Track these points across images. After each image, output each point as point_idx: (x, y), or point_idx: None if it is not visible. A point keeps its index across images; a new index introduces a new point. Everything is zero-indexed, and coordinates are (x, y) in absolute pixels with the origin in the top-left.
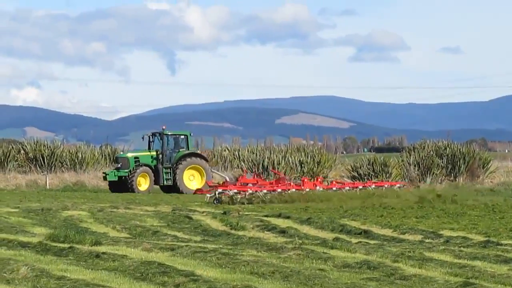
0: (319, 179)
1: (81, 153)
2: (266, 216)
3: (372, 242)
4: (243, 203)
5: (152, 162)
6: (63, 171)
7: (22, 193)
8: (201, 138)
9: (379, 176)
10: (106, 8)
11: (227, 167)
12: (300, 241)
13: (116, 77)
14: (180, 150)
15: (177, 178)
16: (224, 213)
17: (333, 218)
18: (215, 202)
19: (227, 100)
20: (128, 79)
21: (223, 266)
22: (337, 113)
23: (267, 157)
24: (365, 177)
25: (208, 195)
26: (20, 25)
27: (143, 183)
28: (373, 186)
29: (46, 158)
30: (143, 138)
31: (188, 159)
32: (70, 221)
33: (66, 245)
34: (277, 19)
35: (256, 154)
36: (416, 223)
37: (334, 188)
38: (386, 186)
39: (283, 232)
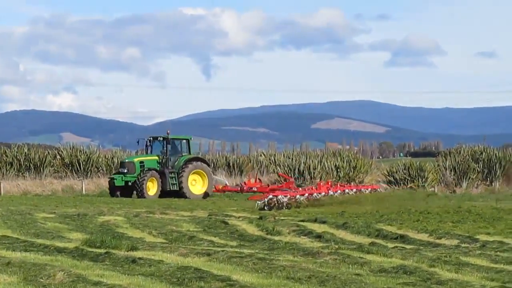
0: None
1: (117, 159)
2: (302, 221)
3: (408, 246)
4: (289, 208)
5: (156, 166)
6: (99, 177)
7: (58, 198)
8: (237, 144)
9: (415, 180)
10: (142, 14)
11: (263, 172)
12: (337, 246)
13: (152, 82)
14: (183, 154)
15: (182, 183)
16: (260, 218)
17: (369, 222)
18: (265, 208)
19: (263, 105)
20: (164, 84)
21: (260, 271)
22: (373, 118)
23: (303, 162)
24: (401, 182)
25: (259, 201)
26: (55, 30)
27: (151, 187)
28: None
29: (82, 163)
30: (138, 142)
31: (193, 164)
32: (106, 227)
33: (103, 251)
34: (312, 24)
35: (292, 159)
36: (452, 227)
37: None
38: (363, 190)
39: (319, 237)
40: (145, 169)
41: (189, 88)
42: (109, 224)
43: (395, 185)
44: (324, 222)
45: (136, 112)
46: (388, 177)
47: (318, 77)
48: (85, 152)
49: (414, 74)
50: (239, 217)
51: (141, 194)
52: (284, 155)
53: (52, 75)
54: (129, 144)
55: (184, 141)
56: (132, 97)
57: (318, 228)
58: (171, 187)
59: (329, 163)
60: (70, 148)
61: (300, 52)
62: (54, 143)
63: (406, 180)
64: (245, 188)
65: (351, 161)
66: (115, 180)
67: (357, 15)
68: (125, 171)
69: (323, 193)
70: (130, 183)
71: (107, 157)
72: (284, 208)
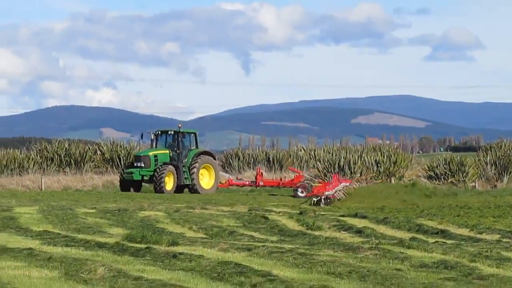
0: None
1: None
2: (342, 216)
3: (449, 241)
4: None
5: (170, 160)
6: None
7: (99, 193)
8: (276, 139)
9: (455, 175)
10: (180, 9)
11: (303, 167)
12: (377, 241)
13: (191, 77)
14: (192, 148)
15: (193, 178)
16: (300, 213)
17: (410, 217)
18: (321, 203)
19: (303, 100)
20: (203, 79)
21: (300, 266)
22: (413, 112)
23: (343, 157)
24: (442, 177)
25: (315, 198)
26: (95, 26)
27: (168, 182)
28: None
29: (123, 158)
30: (142, 135)
31: (202, 158)
32: (146, 222)
33: (143, 246)
34: (352, 19)
35: (332, 154)
36: (493, 222)
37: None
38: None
39: (359, 232)
40: (160, 163)
41: (229, 83)
42: (149, 219)
43: (436, 180)
44: (364, 217)
45: (175, 108)
46: (428, 172)
47: (357, 72)
48: (125, 148)
49: (454, 68)
50: (279, 212)
51: (160, 189)
52: (324, 150)
53: (91, 70)
54: None
55: (192, 135)
56: (172, 92)
57: (358, 223)
58: (184, 181)
59: (369, 158)
60: (111, 143)
61: (340, 47)
62: (94, 139)
63: (447, 175)
64: (258, 182)
65: (391, 156)
66: (133, 175)
67: (397, 9)
68: (142, 165)
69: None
70: (145, 178)
71: None
72: (323, 203)
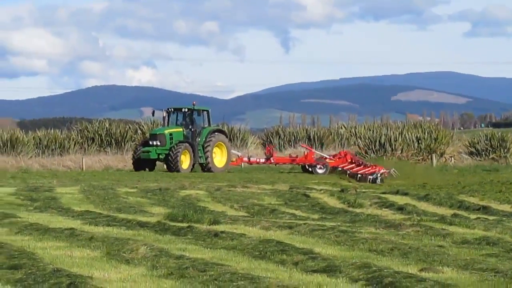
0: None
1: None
2: (384, 193)
3: (491, 218)
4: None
5: (183, 138)
6: None
7: (140, 173)
8: (317, 117)
9: (496, 151)
10: None
11: (344, 145)
12: (419, 218)
13: (231, 56)
14: (205, 126)
15: (208, 156)
16: (342, 190)
17: (451, 194)
18: (377, 181)
19: (343, 77)
20: (242, 58)
21: (342, 244)
22: (454, 88)
23: (384, 134)
24: (483, 153)
25: (370, 176)
26: (133, 5)
27: (184, 160)
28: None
29: None
30: (153, 113)
31: (216, 136)
32: (188, 201)
33: (185, 225)
34: None
35: (373, 131)
36: None
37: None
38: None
39: (401, 209)
40: (176, 141)
41: (268, 62)
42: (190, 198)
43: (477, 156)
44: (405, 194)
45: (216, 86)
46: (469, 148)
47: (397, 49)
48: None
49: (494, 44)
50: (320, 190)
51: (175, 168)
52: (364, 127)
53: (131, 50)
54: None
55: (205, 112)
56: (211, 71)
57: (399, 200)
58: (199, 160)
59: (410, 135)
60: (151, 123)
61: (379, 24)
62: (135, 118)
63: (488, 151)
64: (272, 159)
65: (432, 132)
66: (150, 153)
67: None
68: (158, 143)
69: None
70: (161, 156)
71: None
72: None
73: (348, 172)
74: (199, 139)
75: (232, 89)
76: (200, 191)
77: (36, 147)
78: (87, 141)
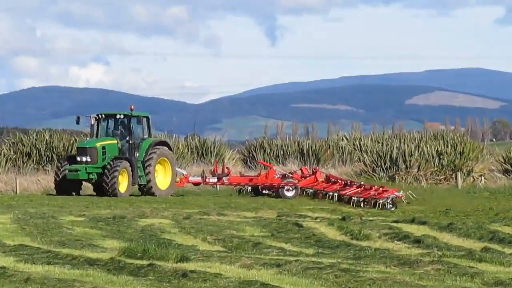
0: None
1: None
2: (396, 221)
3: None
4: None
5: (118, 153)
6: None
7: (89, 197)
8: (312, 125)
9: None
10: None
11: (345, 161)
12: (440, 253)
13: (203, 49)
14: (145, 137)
15: (150, 176)
16: (343, 218)
17: (481, 223)
18: (391, 207)
19: (344, 76)
20: (217, 52)
21: (343, 286)
22: (484, 90)
23: (396, 147)
24: None
25: (381, 200)
26: None
27: (121, 181)
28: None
29: None
30: (77, 120)
31: (159, 150)
32: (149, 232)
33: (145, 262)
34: None
35: (382, 143)
36: None
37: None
38: None
39: (418, 241)
40: (109, 157)
41: (250, 56)
42: (152, 229)
43: None
44: (423, 223)
45: (184, 87)
46: (504, 164)
47: (413, 40)
48: None
49: None
50: (316, 218)
51: (112, 191)
52: (372, 139)
53: (77, 42)
54: (176, 128)
55: (145, 119)
56: (178, 68)
57: (416, 230)
58: (139, 180)
59: (429, 148)
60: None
61: (390, 8)
62: (82, 128)
63: None
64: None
65: (456, 145)
66: (79, 173)
67: None
68: (88, 159)
69: None
70: (91, 177)
71: None
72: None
73: (333, 194)
74: (138, 154)
75: (204, 91)
76: (164, 220)
77: None
78: (22, 157)
